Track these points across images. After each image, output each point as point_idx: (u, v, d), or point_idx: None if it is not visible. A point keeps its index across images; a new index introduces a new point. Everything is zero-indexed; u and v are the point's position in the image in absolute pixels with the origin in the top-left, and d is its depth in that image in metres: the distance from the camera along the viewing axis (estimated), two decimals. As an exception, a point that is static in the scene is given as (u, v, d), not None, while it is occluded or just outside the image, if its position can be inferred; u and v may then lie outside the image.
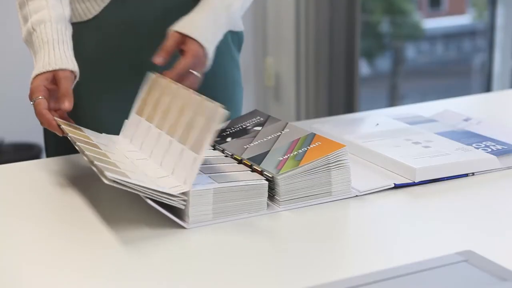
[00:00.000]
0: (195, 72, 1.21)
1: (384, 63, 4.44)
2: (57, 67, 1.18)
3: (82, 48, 1.29)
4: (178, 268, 0.84)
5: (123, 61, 1.33)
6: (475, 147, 1.20)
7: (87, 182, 1.14)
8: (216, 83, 1.35)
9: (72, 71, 1.19)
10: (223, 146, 1.16)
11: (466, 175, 1.14)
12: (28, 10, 1.22)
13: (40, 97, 1.15)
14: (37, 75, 1.18)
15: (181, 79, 1.19)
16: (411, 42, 4.41)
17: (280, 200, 1.01)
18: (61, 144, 1.34)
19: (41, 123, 1.17)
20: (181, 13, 1.33)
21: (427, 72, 4.56)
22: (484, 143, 1.23)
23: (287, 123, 1.17)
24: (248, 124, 1.22)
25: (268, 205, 1.01)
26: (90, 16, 1.31)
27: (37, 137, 2.86)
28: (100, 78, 1.33)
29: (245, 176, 1.01)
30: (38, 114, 1.16)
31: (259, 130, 1.18)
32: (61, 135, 1.15)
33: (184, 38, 1.22)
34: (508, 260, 0.81)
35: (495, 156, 1.16)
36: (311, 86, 3.14)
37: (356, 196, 1.05)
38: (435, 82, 4.52)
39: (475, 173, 1.15)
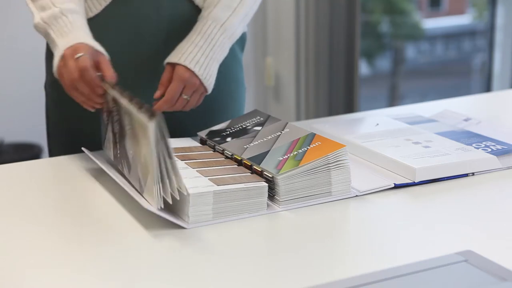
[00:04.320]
0: (184, 96, 1.25)
1: (384, 63, 4.44)
2: (101, 50, 1.20)
3: None
4: (178, 268, 0.84)
5: (123, 60, 1.33)
6: (475, 147, 1.20)
7: (87, 182, 1.14)
8: (219, 81, 1.35)
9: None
10: (223, 146, 1.16)
11: (466, 175, 1.14)
12: (49, 0, 1.22)
13: (87, 54, 1.16)
14: (82, 42, 1.18)
15: (173, 104, 1.24)
16: (411, 42, 4.41)
17: (280, 200, 1.01)
18: (64, 144, 1.34)
19: (80, 79, 1.15)
20: (183, 13, 1.33)
21: (427, 72, 4.56)
22: (484, 143, 1.23)
23: (287, 123, 1.17)
24: (248, 124, 1.22)
25: (268, 205, 1.00)
26: (91, 15, 1.31)
27: (37, 137, 2.86)
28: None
29: (244, 179, 1.01)
30: (83, 68, 1.15)
31: (259, 130, 1.18)
32: (93, 108, 1.16)
33: (173, 66, 1.26)
34: (508, 260, 0.81)
35: (495, 156, 1.16)
36: (311, 86, 3.14)
37: (356, 196, 1.05)
38: (435, 82, 4.52)
39: (475, 173, 1.15)
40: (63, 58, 1.17)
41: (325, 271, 0.82)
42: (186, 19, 1.34)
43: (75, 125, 1.36)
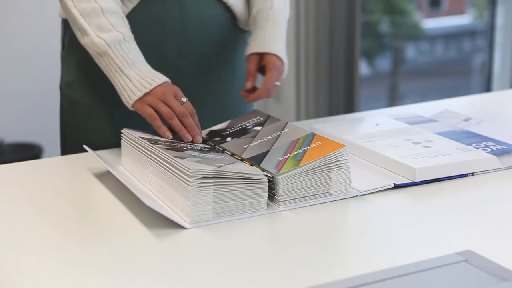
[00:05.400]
0: (277, 83, 1.32)
1: (384, 63, 4.44)
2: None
3: None
4: (178, 267, 0.84)
5: (148, 61, 1.33)
6: (475, 147, 1.20)
7: (87, 182, 1.14)
8: (235, 76, 1.41)
9: None
10: (223, 146, 1.16)
11: (466, 175, 1.14)
12: (108, 21, 1.23)
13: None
14: (170, 83, 1.23)
15: (269, 92, 1.30)
16: (411, 42, 4.41)
17: (280, 200, 1.01)
18: (78, 144, 1.34)
19: (186, 119, 1.19)
20: (209, 13, 1.35)
21: (427, 72, 4.55)
22: (484, 143, 1.23)
23: (287, 123, 1.17)
24: (248, 124, 1.22)
25: (268, 205, 1.00)
26: None
27: (37, 137, 2.87)
28: None
29: (246, 168, 1.01)
30: (192, 113, 1.20)
31: (259, 130, 1.18)
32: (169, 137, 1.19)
33: (261, 56, 1.34)
34: (508, 260, 0.81)
35: (495, 156, 1.16)
36: (311, 86, 3.14)
37: (356, 196, 1.05)
38: (435, 82, 4.52)
39: (475, 173, 1.15)
40: (155, 95, 1.20)
41: (325, 271, 0.82)
42: (212, 18, 1.35)
43: (89, 125, 1.36)
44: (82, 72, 1.36)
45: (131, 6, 1.31)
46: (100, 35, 1.23)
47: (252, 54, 1.34)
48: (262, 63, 1.35)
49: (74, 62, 1.36)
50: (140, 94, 1.20)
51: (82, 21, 1.24)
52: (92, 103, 1.36)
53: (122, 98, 1.24)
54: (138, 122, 1.25)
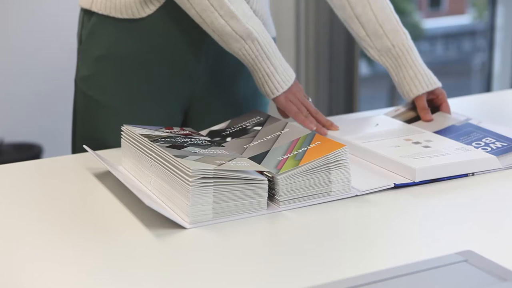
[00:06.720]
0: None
1: (384, 63, 4.43)
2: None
3: (126, 45, 1.32)
4: (178, 268, 0.84)
5: (164, 66, 1.33)
6: (475, 146, 1.20)
7: (87, 182, 1.14)
8: (250, 77, 1.40)
9: None
10: (223, 145, 1.16)
11: (466, 175, 1.14)
12: (248, 8, 1.27)
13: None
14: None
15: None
16: (411, 42, 4.41)
17: (280, 200, 1.01)
18: (90, 140, 1.33)
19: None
20: None
21: (427, 72, 4.55)
22: (484, 140, 1.23)
23: (287, 123, 1.17)
24: (248, 124, 1.22)
25: (268, 205, 1.00)
26: (144, 15, 1.31)
27: (37, 137, 2.87)
28: (138, 78, 1.34)
29: (246, 165, 1.01)
30: (316, 112, 1.31)
31: (259, 130, 1.18)
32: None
33: (429, 92, 1.42)
34: (508, 260, 0.81)
35: (495, 156, 1.16)
36: (311, 86, 3.14)
37: (356, 196, 1.05)
38: (435, 82, 4.52)
39: (475, 173, 1.15)
40: (293, 92, 1.29)
41: (325, 271, 0.82)
42: None
43: (103, 122, 1.36)
44: (99, 67, 1.35)
45: (154, 8, 1.31)
46: (248, 21, 1.24)
47: (419, 96, 1.41)
48: (430, 97, 1.43)
49: (92, 57, 1.35)
50: (286, 88, 1.27)
51: (231, 5, 1.24)
52: (107, 100, 1.35)
53: (266, 87, 1.27)
54: (153, 122, 1.25)
